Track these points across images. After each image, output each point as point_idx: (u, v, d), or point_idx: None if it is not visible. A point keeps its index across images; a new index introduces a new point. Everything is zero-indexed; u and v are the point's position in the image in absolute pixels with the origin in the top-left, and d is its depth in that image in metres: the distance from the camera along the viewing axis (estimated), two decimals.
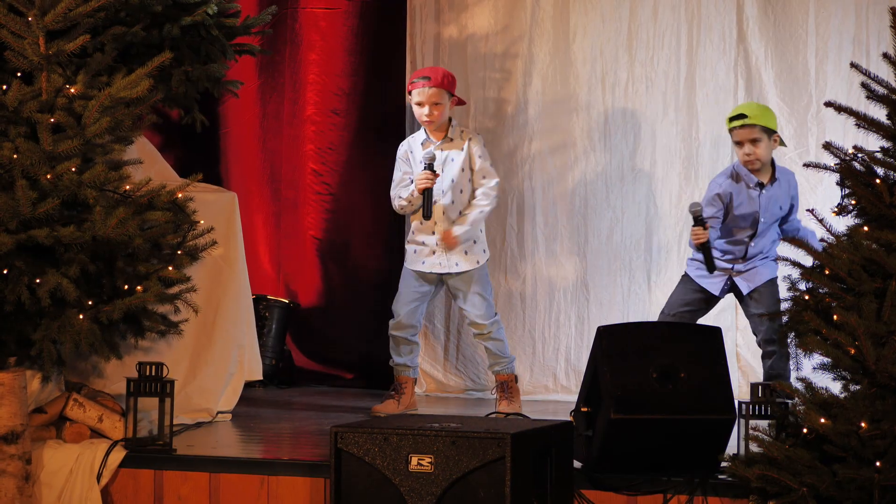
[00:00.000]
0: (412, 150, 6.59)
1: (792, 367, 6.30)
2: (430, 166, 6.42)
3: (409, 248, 6.63)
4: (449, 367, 7.53)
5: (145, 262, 5.30)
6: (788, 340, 4.96)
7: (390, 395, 6.64)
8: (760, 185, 6.18)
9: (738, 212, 6.16)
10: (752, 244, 6.21)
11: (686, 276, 6.35)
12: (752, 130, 6.10)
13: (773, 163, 6.23)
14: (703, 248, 6.05)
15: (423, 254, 6.56)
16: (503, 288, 7.42)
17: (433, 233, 6.54)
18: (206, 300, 6.02)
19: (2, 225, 5.08)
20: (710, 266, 6.08)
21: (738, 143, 6.16)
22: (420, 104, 6.50)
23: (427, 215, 6.44)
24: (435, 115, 6.49)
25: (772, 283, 6.21)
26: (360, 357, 7.78)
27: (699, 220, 6.05)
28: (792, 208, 6.27)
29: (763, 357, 6.20)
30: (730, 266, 6.22)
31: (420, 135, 6.60)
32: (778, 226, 6.26)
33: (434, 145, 6.54)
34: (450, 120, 6.58)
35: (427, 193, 6.42)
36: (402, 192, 6.55)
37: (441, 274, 6.57)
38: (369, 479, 4.61)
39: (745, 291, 6.21)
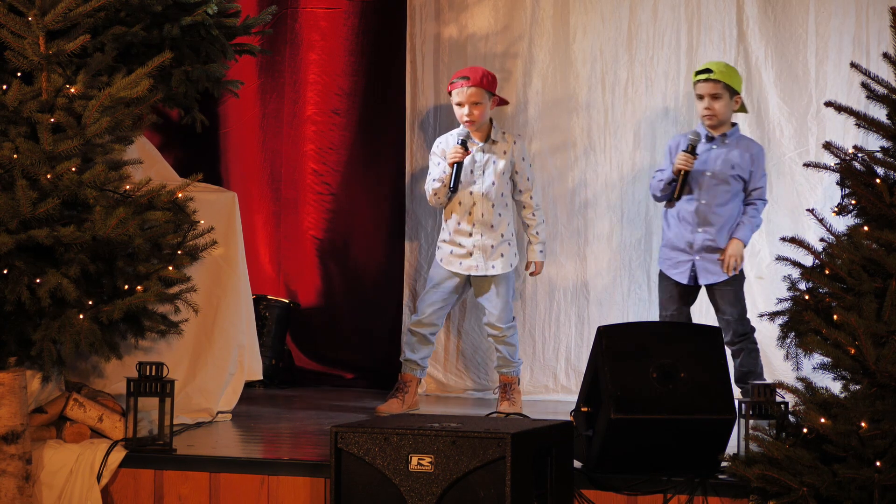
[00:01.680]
0: (449, 146, 6.57)
1: (763, 362, 6.43)
2: (463, 143, 6.45)
3: (444, 247, 6.61)
4: (449, 367, 7.52)
5: (145, 262, 5.30)
6: (788, 340, 4.95)
7: (394, 395, 6.64)
8: (710, 139, 6.37)
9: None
10: (703, 201, 6.32)
11: (660, 273, 6.52)
12: (716, 86, 6.35)
13: (734, 126, 6.41)
14: (683, 174, 6.30)
15: (460, 255, 6.56)
16: None
17: (470, 234, 6.54)
18: (207, 300, 6.02)
19: (2, 225, 5.08)
20: (680, 192, 6.32)
21: (700, 97, 6.41)
22: (460, 104, 6.49)
23: (453, 188, 6.46)
24: (475, 115, 6.48)
25: (736, 279, 6.34)
26: (360, 357, 7.77)
27: (692, 149, 6.30)
28: (751, 179, 6.37)
29: (732, 356, 6.28)
30: (689, 254, 6.34)
31: (457, 131, 6.57)
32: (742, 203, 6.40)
33: (477, 146, 6.53)
34: (490, 121, 6.57)
35: (457, 167, 6.44)
36: (434, 175, 6.55)
37: (477, 276, 6.56)
38: (369, 479, 4.61)
39: (702, 282, 6.37)
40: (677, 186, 6.33)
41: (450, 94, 6.57)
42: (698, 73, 6.40)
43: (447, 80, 7.05)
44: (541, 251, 6.65)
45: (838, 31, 7.02)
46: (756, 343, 6.42)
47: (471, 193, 6.53)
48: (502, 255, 6.56)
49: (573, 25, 7.35)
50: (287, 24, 7.79)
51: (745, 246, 6.37)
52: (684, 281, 6.40)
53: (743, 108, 6.50)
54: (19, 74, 5.32)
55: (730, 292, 6.37)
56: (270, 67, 7.86)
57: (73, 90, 5.28)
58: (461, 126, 6.56)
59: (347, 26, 7.76)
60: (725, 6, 7.16)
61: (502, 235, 6.56)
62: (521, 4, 7.42)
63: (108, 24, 5.76)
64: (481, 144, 6.54)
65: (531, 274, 6.71)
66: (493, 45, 7.46)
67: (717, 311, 6.44)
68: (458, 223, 6.56)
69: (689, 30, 7.21)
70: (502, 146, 6.55)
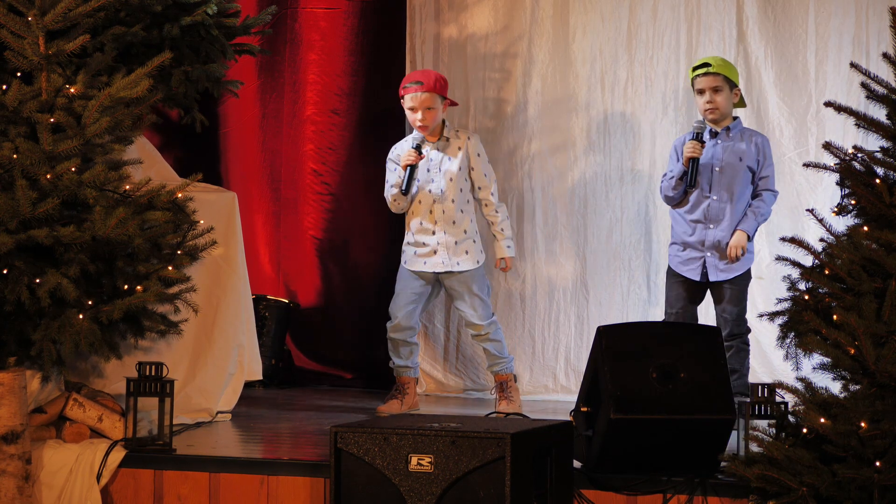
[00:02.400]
0: (403, 153, 6.58)
1: (749, 363, 6.43)
2: (417, 147, 6.47)
3: (408, 249, 6.63)
4: (448, 367, 7.52)
5: (145, 262, 5.30)
6: (788, 340, 4.95)
7: (393, 396, 6.64)
8: (715, 134, 6.35)
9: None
10: (715, 197, 6.31)
11: (669, 269, 6.49)
12: (716, 79, 6.33)
13: (735, 119, 6.40)
14: (693, 161, 6.28)
15: (424, 254, 6.57)
16: (503, 288, 7.42)
17: (433, 233, 6.55)
18: (206, 300, 6.02)
19: (2, 225, 5.08)
20: (693, 181, 6.29)
21: (700, 92, 6.38)
22: (413, 109, 6.51)
23: (405, 191, 6.48)
24: (428, 120, 6.50)
25: (743, 279, 6.32)
26: (359, 357, 7.78)
27: (698, 137, 6.29)
28: (760, 168, 6.37)
29: None
30: (700, 251, 6.34)
31: (413, 137, 6.60)
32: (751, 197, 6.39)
33: (430, 146, 6.55)
34: (443, 122, 6.58)
35: (409, 170, 6.46)
36: (391, 181, 6.56)
37: (440, 273, 6.58)
38: (369, 479, 4.61)
39: (712, 278, 6.34)
40: (690, 176, 6.29)
41: (401, 98, 6.57)
42: (696, 67, 6.39)
43: (448, 79, 7.05)
44: (508, 246, 6.62)
45: (838, 32, 7.02)
46: (748, 344, 6.42)
47: (429, 192, 6.54)
48: (467, 252, 6.56)
49: (573, 25, 7.35)
50: (287, 24, 7.79)
51: (749, 238, 6.34)
52: (696, 278, 6.36)
53: (742, 102, 6.49)
54: (19, 74, 5.32)
55: (735, 291, 6.36)
56: (270, 67, 7.86)
57: (72, 90, 5.28)
58: (414, 132, 6.58)
59: (347, 26, 7.76)
60: (725, 6, 7.16)
61: (465, 232, 6.56)
62: (521, 4, 7.42)
63: (108, 24, 5.76)
64: (434, 144, 6.56)
65: (502, 270, 6.69)
66: (493, 45, 7.46)
67: (718, 306, 6.43)
68: (421, 223, 6.57)
69: (689, 30, 7.21)
70: (456, 143, 6.57)
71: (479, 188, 6.60)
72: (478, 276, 6.59)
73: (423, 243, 6.58)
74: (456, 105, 6.89)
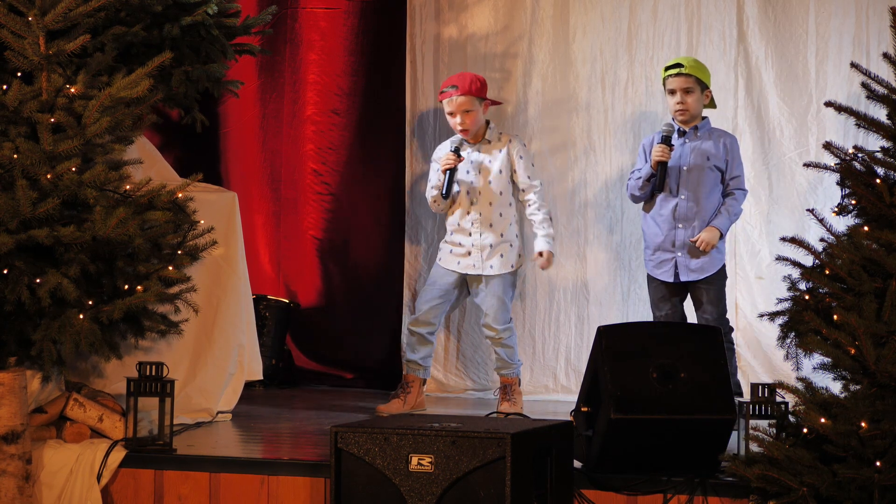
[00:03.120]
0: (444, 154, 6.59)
1: (738, 363, 6.44)
2: (456, 150, 6.47)
3: (444, 247, 6.65)
4: (449, 367, 7.52)
5: (145, 262, 5.30)
6: (788, 340, 4.95)
7: (396, 395, 6.64)
8: (683, 133, 6.38)
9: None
10: (683, 196, 6.34)
11: (648, 275, 6.54)
12: (687, 80, 6.36)
13: (704, 119, 6.43)
14: (662, 166, 6.30)
15: (459, 254, 6.58)
16: None
17: (470, 234, 6.55)
18: (207, 300, 6.02)
19: (2, 225, 5.08)
20: (661, 185, 6.32)
21: (671, 92, 6.40)
22: (451, 114, 6.52)
23: (446, 195, 6.49)
24: (468, 123, 6.50)
25: (718, 278, 6.35)
26: (360, 357, 7.77)
27: (666, 140, 6.31)
28: (729, 168, 6.39)
29: None
30: (671, 252, 6.37)
31: (452, 140, 6.59)
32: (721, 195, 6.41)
33: (470, 148, 6.54)
34: (487, 123, 6.58)
35: (449, 174, 6.46)
36: (432, 182, 6.58)
37: (471, 275, 6.57)
38: (369, 479, 4.61)
39: (683, 279, 6.37)
40: (658, 180, 6.32)
41: (440, 102, 6.58)
42: (668, 67, 6.41)
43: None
44: (546, 241, 6.56)
45: (838, 32, 7.02)
46: (733, 343, 6.45)
47: (468, 193, 6.55)
48: (501, 256, 6.56)
49: (573, 25, 7.35)
50: (287, 24, 7.79)
51: (721, 236, 6.36)
52: (669, 279, 6.41)
53: (712, 104, 6.50)
54: (19, 74, 5.32)
55: (711, 291, 6.37)
56: (270, 67, 7.86)
57: (73, 90, 5.28)
58: (456, 133, 6.59)
59: (347, 26, 7.76)
60: (725, 6, 7.16)
61: (502, 235, 6.56)
62: (521, 4, 7.42)
63: (109, 24, 5.76)
64: (476, 145, 6.56)
65: (541, 266, 6.62)
66: (493, 45, 7.46)
67: (698, 309, 6.44)
68: (458, 223, 6.58)
69: (689, 30, 7.21)
70: (497, 146, 6.57)
71: (522, 190, 6.59)
72: (507, 281, 6.59)
73: (459, 244, 6.58)
74: (499, 104, 6.89)
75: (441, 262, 6.65)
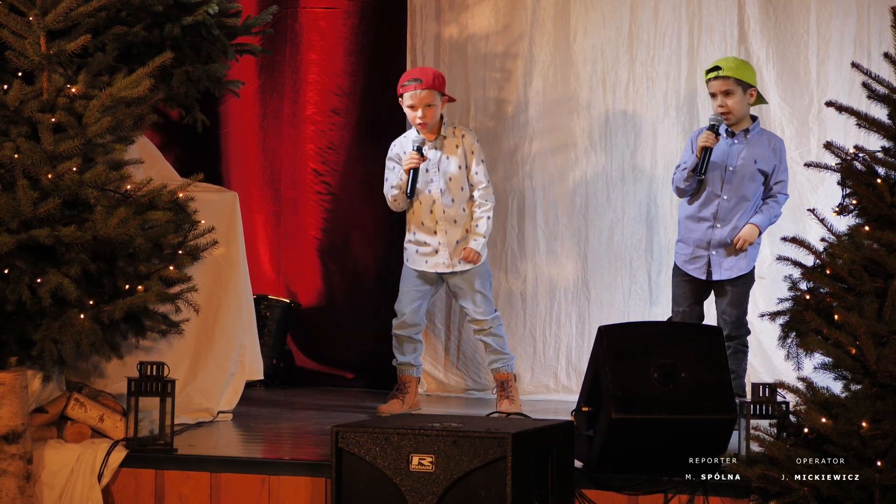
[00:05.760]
0: (404, 151, 6.59)
1: (747, 366, 6.42)
2: (419, 149, 6.46)
3: (409, 247, 6.63)
4: (449, 367, 7.53)
5: (146, 262, 5.30)
6: (789, 340, 4.95)
7: (395, 395, 6.64)
8: (731, 134, 6.32)
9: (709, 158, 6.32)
10: (725, 197, 6.29)
11: (675, 267, 6.47)
12: (726, 82, 6.27)
13: (754, 121, 6.36)
14: (706, 151, 6.24)
15: (426, 253, 6.57)
16: (504, 287, 7.42)
17: (435, 233, 6.55)
18: (207, 300, 6.02)
19: (3, 225, 5.08)
20: (703, 168, 6.24)
21: (713, 96, 6.34)
22: (412, 107, 6.50)
23: (410, 194, 6.48)
24: (428, 117, 6.49)
25: (745, 280, 6.31)
26: (360, 357, 7.78)
27: (713, 129, 6.24)
28: (775, 172, 6.34)
29: None
30: (706, 250, 6.32)
31: (411, 134, 6.60)
32: (761, 198, 6.37)
33: (428, 145, 6.55)
34: (441, 118, 6.58)
35: (413, 173, 6.46)
36: (391, 181, 6.56)
37: (443, 273, 6.58)
38: (370, 479, 4.61)
39: (715, 277, 6.33)
40: (701, 163, 6.25)
41: (400, 96, 6.56)
42: (708, 71, 6.36)
43: (448, 79, 7.05)
44: (474, 240, 6.51)
45: (839, 32, 7.02)
46: (747, 346, 6.42)
47: (429, 192, 6.54)
48: None
49: (574, 25, 7.35)
50: (287, 23, 7.80)
51: (760, 233, 6.32)
52: (702, 276, 6.35)
53: (760, 100, 6.43)
54: (20, 74, 5.33)
55: (736, 293, 6.33)
56: (270, 67, 7.87)
57: (74, 90, 5.28)
58: (413, 128, 6.58)
59: (347, 26, 7.76)
60: (727, 6, 7.16)
61: (467, 230, 6.56)
62: (522, 4, 7.42)
63: (109, 24, 5.76)
64: (433, 142, 6.55)
65: (462, 258, 6.54)
66: (494, 45, 7.47)
67: (718, 308, 6.42)
68: (422, 222, 6.57)
69: (691, 30, 7.21)
70: (453, 141, 6.57)
71: (471, 185, 6.59)
72: (481, 273, 6.59)
73: (425, 242, 6.58)
74: (454, 101, 6.89)
75: (409, 262, 6.64)
